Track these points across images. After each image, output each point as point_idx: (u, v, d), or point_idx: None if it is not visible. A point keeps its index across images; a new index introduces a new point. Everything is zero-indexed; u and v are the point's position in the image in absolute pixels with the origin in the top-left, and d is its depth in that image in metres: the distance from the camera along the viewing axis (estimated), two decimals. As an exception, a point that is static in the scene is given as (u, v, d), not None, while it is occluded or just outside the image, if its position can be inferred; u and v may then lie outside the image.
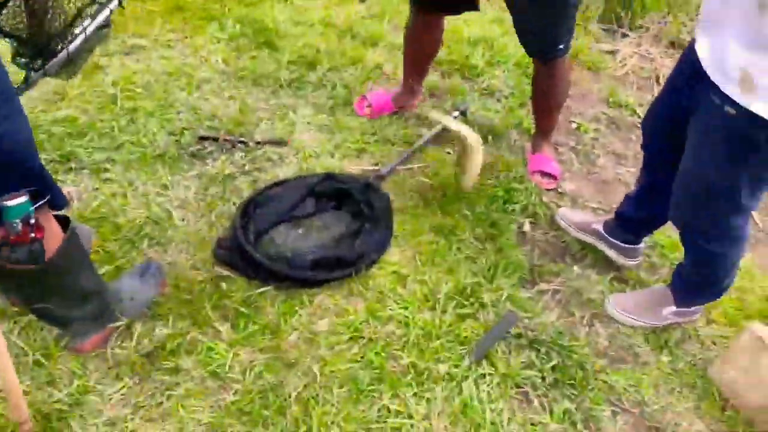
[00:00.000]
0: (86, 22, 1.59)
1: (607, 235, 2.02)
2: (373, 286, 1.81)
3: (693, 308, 1.84)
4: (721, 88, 1.34)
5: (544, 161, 2.37)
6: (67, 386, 1.45)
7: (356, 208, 2.04)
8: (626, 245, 1.98)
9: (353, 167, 2.30)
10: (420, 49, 2.50)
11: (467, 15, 2.54)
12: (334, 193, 2.10)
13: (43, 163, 2.05)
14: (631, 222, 1.94)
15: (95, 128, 2.29)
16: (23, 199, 1.20)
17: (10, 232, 1.22)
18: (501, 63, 2.98)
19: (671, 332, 1.84)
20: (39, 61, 1.53)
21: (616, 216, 2.01)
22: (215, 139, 2.32)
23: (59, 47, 1.52)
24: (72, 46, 1.55)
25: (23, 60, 1.55)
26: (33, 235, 1.25)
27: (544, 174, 2.34)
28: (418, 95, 2.64)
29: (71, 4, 1.55)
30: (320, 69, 2.78)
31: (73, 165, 2.13)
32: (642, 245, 2.00)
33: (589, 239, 2.08)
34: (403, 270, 1.88)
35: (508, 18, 3.39)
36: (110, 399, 1.45)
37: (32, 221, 1.23)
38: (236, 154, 2.28)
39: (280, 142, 2.37)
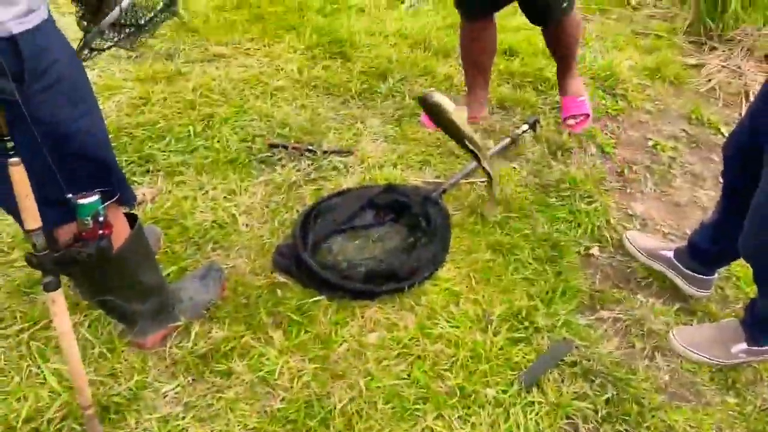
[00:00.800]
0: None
1: (678, 263, 1.91)
2: (425, 302, 1.81)
3: (766, 347, 1.71)
4: None
5: (572, 103, 2.44)
6: (128, 380, 1.54)
7: (414, 221, 2.04)
8: (697, 275, 1.88)
9: (416, 179, 2.30)
10: (476, 55, 2.51)
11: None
12: (393, 205, 2.11)
13: (124, 164, 2.22)
14: (705, 253, 1.83)
15: (173, 132, 2.41)
16: (95, 197, 1.26)
17: (82, 228, 1.28)
18: (576, 76, 2.89)
19: (740, 372, 1.72)
20: (96, 27, 1.54)
21: (689, 244, 1.91)
22: (285, 147, 2.39)
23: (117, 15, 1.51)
24: (139, 20, 1.57)
25: (85, 24, 1.58)
26: (102, 231, 1.30)
27: (574, 117, 2.39)
28: (484, 106, 2.62)
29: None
30: (390, 80, 2.81)
31: (150, 167, 2.26)
32: (715, 276, 1.89)
33: (657, 266, 1.98)
34: (456, 287, 1.86)
35: (585, 29, 3.31)
36: (165, 396, 1.52)
37: (101, 219, 1.29)
38: (303, 162, 2.34)
39: (346, 152, 2.41)
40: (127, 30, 1.59)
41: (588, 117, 2.44)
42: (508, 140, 2.46)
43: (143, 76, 2.71)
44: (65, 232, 1.32)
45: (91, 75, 2.60)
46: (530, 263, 1.96)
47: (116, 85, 2.64)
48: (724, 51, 3.19)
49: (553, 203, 2.20)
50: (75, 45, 1.29)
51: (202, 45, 2.94)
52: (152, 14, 1.65)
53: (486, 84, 2.59)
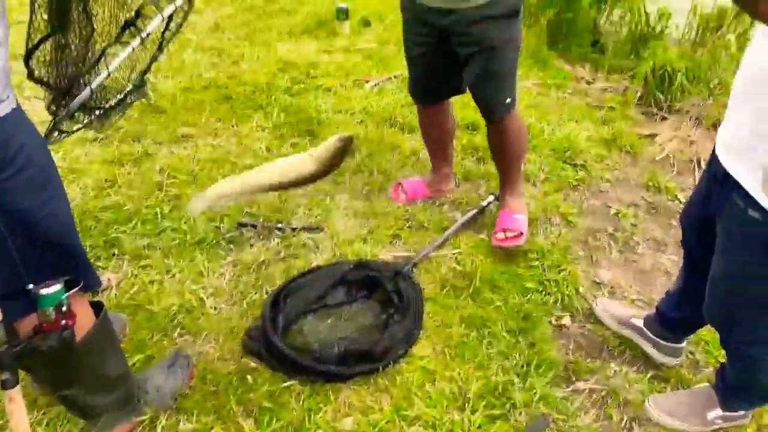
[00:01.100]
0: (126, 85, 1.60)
1: (647, 331, 1.93)
2: (400, 382, 1.78)
3: (741, 412, 1.72)
4: (745, 189, 1.30)
5: (507, 218, 2.38)
6: (89, 482, 1.45)
7: (386, 297, 2.04)
8: (667, 343, 1.89)
9: (386, 254, 2.31)
10: (433, 136, 2.59)
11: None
12: (365, 281, 2.10)
13: (88, 249, 2.17)
14: (672, 320, 1.86)
15: (140, 214, 2.39)
16: (58, 287, 1.23)
17: (43, 320, 1.24)
18: (537, 148, 3.00)
19: (719, 440, 1.71)
20: (65, 109, 1.54)
21: (656, 312, 1.93)
22: (253, 226, 2.39)
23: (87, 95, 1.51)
24: (109, 102, 1.57)
25: (54, 108, 1.57)
26: (65, 322, 1.26)
27: (506, 231, 2.32)
28: (449, 179, 2.68)
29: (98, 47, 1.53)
30: (358, 155, 2.86)
31: (115, 251, 2.22)
32: (684, 344, 1.91)
33: (628, 334, 2.00)
34: (431, 365, 1.84)
35: (542, 103, 3.47)
36: (129, 498, 1.44)
37: (64, 308, 1.25)
38: (273, 240, 2.33)
39: (315, 228, 2.41)
40: (97, 112, 1.60)
41: (521, 235, 2.29)
42: (474, 211, 2.51)
43: (109, 158, 2.71)
44: (26, 324, 1.27)
45: (56, 158, 2.58)
46: (504, 336, 1.96)
47: (81, 168, 2.63)
48: (674, 121, 3.36)
49: (522, 273, 2.23)
50: (41, 129, 1.28)
51: (170, 126, 2.96)
52: (122, 95, 1.66)
53: (448, 159, 2.65)
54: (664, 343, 1.90)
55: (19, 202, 1.15)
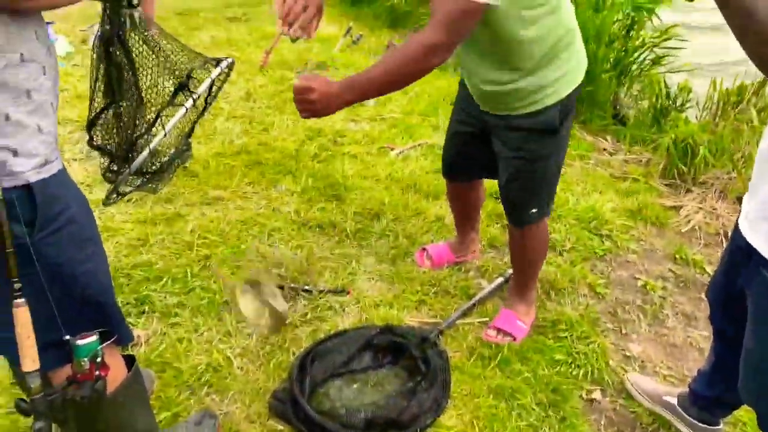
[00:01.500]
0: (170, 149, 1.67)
1: (682, 411, 1.88)
2: (427, 452, 1.74)
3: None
4: None
5: (508, 318, 2.25)
6: None
7: (413, 363, 2.02)
8: (702, 424, 1.83)
9: (412, 319, 2.31)
10: (458, 208, 2.58)
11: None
12: (391, 346, 2.09)
13: (120, 304, 2.20)
14: (706, 399, 1.81)
15: (170, 273, 2.43)
16: (93, 338, 1.26)
17: (78, 370, 1.25)
18: (562, 217, 3.02)
19: None
20: (126, 170, 1.59)
21: (690, 391, 1.88)
22: (281, 288, 2.41)
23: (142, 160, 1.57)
24: (161, 164, 1.64)
25: (111, 175, 1.63)
26: (98, 372, 1.28)
27: (500, 331, 2.21)
28: (475, 245, 2.69)
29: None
30: (384, 220, 2.90)
31: (146, 308, 2.24)
32: (720, 426, 1.85)
33: (662, 412, 1.94)
34: (459, 436, 1.80)
35: (567, 173, 3.51)
36: None
37: (99, 359, 1.27)
38: (299, 302, 2.34)
39: (342, 291, 2.43)
40: (148, 175, 1.68)
41: (514, 339, 2.20)
42: (501, 280, 2.51)
43: (143, 218, 2.78)
44: (59, 375, 1.28)
45: (92, 217, 2.66)
46: (534, 408, 1.92)
47: (115, 227, 2.70)
48: (699, 193, 3.37)
49: (551, 344, 2.20)
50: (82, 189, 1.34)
51: (202, 189, 3.05)
52: (168, 158, 1.74)
53: (473, 228, 2.67)
54: (699, 424, 1.85)
55: (60, 256, 1.19)
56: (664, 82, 4.31)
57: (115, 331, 1.36)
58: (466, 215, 2.61)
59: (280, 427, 1.79)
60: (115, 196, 1.47)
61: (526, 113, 1.86)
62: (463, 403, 1.92)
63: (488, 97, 1.92)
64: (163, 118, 1.41)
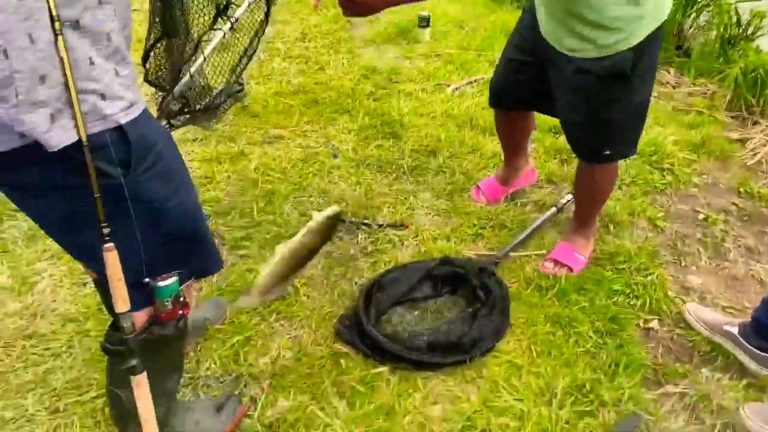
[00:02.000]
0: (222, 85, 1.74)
1: (742, 340, 1.89)
2: (486, 375, 1.82)
3: None
4: None
5: (566, 251, 2.25)
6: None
7: (471, 292, 2.08)
8: (764, 353, 1.84)
9: (469, 252, 2.36)
10: (505, 137, 2.54)
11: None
12: (451, 276, 2.16)
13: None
14: (768, 329, 1.81)
15: (237, 208, 2.54)
16: (174, 279, 1.30)
17: (162, 310, 1.31)
18: (622, 152, 2.96)
19: (820, 451, 1.66)
20: (170, 96, 1.62)
21: (752, 320, 1.88)
22: (342, 221, 2.49)
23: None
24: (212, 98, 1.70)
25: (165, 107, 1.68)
26: (181, 312, 1.34)
27: (557, 263, 2.22)
28: (525, 168, 2.65)
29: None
30: (440, 157, 2.92)
31: (216, 241, 2.36)
32: (782, 354, 1.85)
33: (720, 341, 1.96)
34: (517, 360, 1.87)
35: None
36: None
37: (181, 299, 1.33)
38: (360, 236, 2.42)
39: (400, 226, 2.49)
40: (199, 111, 1.75)
41: (570, 271, 2.21)
42: (554, 209, 2.51)
43: (208, 156, 2.89)
44: (142, 315, 1.34)
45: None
46: (591, 336, 1.96)
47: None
48: (767, 125, 3.23)
49: (609, 276, 2.22)
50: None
51: (263, 128, 3.13)
52: (217, 93, 1.80)
53: (521, 156, 2.61)
54: (759, 352, 1.85)
55: (152, 192, 1.23)
56: (735, 9, 4.06)
57: (204, 263, 1.41)
58: (514, 142, 2.55)
59: (345, 350, 1.90)
60: (164, 124, 1.51)
61: (594, 57, 1.78)
62: (521, 331, 1.98)
63: (556, 29, 1.86)
64: (203, 44, 1.44)
